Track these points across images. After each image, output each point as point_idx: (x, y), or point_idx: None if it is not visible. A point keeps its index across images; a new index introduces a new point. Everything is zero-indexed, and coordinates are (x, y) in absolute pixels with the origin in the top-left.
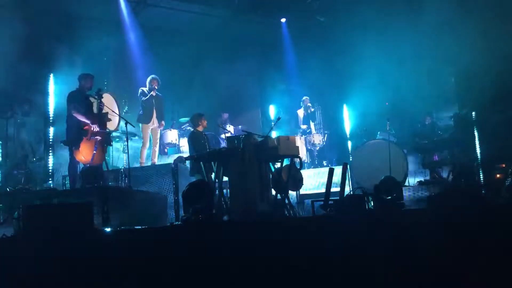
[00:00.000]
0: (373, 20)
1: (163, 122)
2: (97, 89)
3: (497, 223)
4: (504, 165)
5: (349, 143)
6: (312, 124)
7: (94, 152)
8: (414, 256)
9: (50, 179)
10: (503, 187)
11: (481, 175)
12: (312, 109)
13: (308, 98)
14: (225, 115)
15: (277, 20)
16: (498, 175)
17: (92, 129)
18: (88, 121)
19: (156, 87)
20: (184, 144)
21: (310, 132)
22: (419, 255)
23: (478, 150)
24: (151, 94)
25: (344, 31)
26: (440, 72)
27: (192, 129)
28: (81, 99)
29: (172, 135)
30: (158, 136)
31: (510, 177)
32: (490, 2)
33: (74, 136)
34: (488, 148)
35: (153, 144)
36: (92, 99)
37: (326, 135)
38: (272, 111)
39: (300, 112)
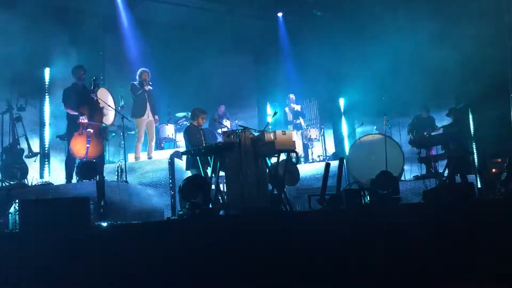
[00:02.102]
0: (369, 14)
1: (156, 117)
2: (92, 79)
3: (491, 217)
4: (499, 160)
5: (346, 138)
6: (301, 119)
7: (88, 145)
8: (409, 249)
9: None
10: (499, 182)
11: (476, 169)
12: (299, 106)
13: (293, 95)
14: (222, 108)
15: (274, 14)
16: (493, 170)
17: (80, 120)
18: (76, 113)
19: (147, 80)
20: (181, 139)
21: (301, 126)
22: (414, 248)
23: (474, 145)
24: (144, 88)
25: (341, 25)
26: (436, 67)
27: (189, 124)
28: (73, 94)
29: (168, 130)
30: (154, 130)
31: (505, 172)
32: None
33: (68, 131)
34: (483, 143)
35: (149, 138)
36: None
37: (322, 129)
38: (268, 106)
39: (288, 110)
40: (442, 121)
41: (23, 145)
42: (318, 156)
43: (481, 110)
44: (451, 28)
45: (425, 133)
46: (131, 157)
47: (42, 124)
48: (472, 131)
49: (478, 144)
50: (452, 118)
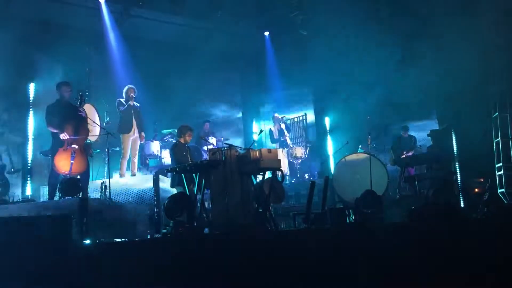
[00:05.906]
0: (355, 35)
1: (143, 134)
2: (78, 94)
3: (475, 237)
4: (482, 180)
5: (331, 156)
6: (287, 137)
7: (72, 161)
8: (395, 268)
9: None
10: (481, 201)
11: (459, 189)
12: (283, 124)
13: (278, 114)
14: (207, 126)
15: (260, 32)
16: (476, 189)
17: (63, 135)
18: (58, 130)
19: (133, 96)
20: (166, 156)
21: (286, 144)
22: (400, 267)
23: (457, 165)
24: (129, 104)
25: (326, 45)
26: (420, 88)
27: (175, 141)
28: (56, 111)
29: (154, 147)
30: (138, 146)
31: (488, 192)
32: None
33: (53, 147)
34: (466, 163)
35: (132, 155)
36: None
37: (308, 148)
38: (254, 123)
39: (274, 128)
40: (424, 139)
41: (5, 160)
42: (304, 175)
43: (464, 131)
44: (433, 48)
45: (404, 152)
46: (115, 174)
47: (25, 140)
48: (455, 152)
49: (461, 164)
50: (432, 140)
